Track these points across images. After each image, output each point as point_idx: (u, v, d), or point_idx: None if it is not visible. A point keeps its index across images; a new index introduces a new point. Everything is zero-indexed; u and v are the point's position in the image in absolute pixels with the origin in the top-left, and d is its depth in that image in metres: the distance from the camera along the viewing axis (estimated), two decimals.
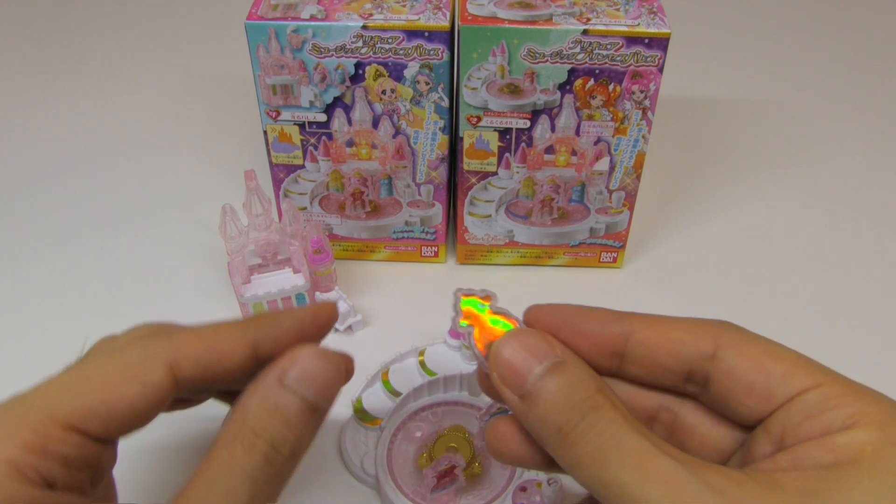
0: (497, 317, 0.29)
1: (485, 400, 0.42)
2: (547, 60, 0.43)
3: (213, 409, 0.33)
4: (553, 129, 0.45)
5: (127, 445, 0.28)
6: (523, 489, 0.38)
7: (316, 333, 0.29)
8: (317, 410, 0.27)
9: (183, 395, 0.28)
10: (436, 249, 0.53)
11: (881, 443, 0.23)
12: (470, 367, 0.43)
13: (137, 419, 0.26)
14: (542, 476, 0.38)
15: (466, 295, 0.30)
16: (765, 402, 0.26)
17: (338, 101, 0.45)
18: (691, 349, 0.27)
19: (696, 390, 0.28)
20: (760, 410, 0.26)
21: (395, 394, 0.43)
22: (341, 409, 0.43)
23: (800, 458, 0.24)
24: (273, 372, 0.27)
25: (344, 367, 0.28)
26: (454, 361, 0.44)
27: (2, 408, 0.25)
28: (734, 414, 0.27)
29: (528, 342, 0.26)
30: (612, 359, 0.28)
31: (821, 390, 0.25)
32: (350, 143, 0.47)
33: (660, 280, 0.53)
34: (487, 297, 0.29)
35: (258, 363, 0.28)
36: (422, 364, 0.44)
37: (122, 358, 0.26)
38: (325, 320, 0.30)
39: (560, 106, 0.44)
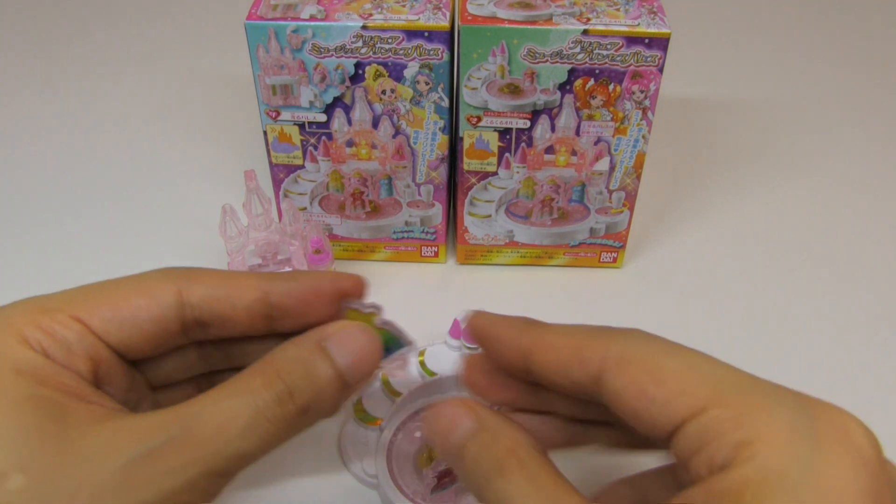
0: (383, 329, 0.29)
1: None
2: (547, 60, 0.43)
3: None
4: (553, 129, 0.45)
5: None
6: None
7: (336, 299, 0.29)
8: (345, 381, 0.27)
9: (195, 333, 0.28)
10: (436, 249, 0.53)
11: (763, 482, 0.21)
12: None
13: (141, 331, 0.27)
14: None
15: (352, 309, 0.30)
16: (653, 431, 0.24)
17: (338, 101, 0.45)
18: (578, 372, 0.26)
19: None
20: (655, 437, 0.24)
21: (395, 394, 0.43)
22: (341, 409, 0.43)
23: None
24: (315, 332, 0.27)
25: (381, 353, 0.29)
26: (454, 361, 0.44)
27: (22, 301, 0.27)
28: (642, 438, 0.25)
29: (445, 414, 0.27)
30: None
31: (702, 418, 0.22)
32: (350, 144, 0.47)
33: (660, 280, 0.53)
34: (372, 312, 0.29)
35: (270, 320, 0.28)
36: (422, 364, 0.44)
37: (135, 277, 0.28)
38: (348, 288, 0.30)
39: (560, 106, 0.44)
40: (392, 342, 0.30)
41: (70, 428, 0.24)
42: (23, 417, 0.23)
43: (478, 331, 0.29)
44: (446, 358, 0.44)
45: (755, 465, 0.21)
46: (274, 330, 0.29)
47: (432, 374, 0.43)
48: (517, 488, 0.24)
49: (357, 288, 0.30)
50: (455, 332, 0.44)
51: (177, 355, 0.30)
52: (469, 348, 0.42)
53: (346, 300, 0.30)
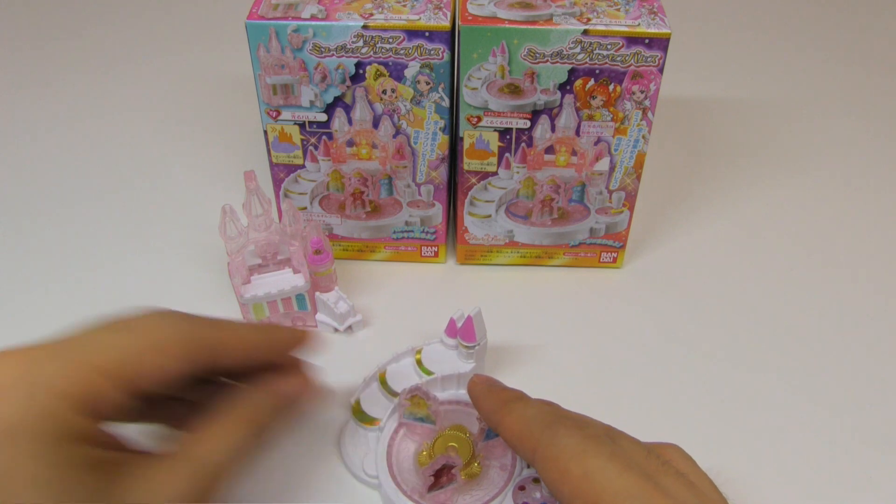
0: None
1: None
2: (547, 60, 0.43)
3: None
4: (553, 129, 0.45)
5: None
6: (522, 488, 0.38)
7: (297, 353, 0.38)
8: (288, 418, 0.38)
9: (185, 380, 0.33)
10: (436, 249, 0.53)
11: None
12: (466, 365, 0.43)
13: (159, 386, 0.31)
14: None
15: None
16: None
17: (338, 100, 0.45)
18: (522, 453, 0.33)
19: None
20: None
21: (393, 394, 0.43)
22: (340, 410, 0.43)
23: None
24: (279, 383, 0.36)
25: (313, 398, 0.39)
26: (451, 360, 0.44)
27: (42, 351, 0.29)
28: None
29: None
30: None
31: None
32: (350, 143, 0.47)
33: (660, 280, 0.53)
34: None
35: (248, 367, 0.35)
36: (418, 363, 0.44)
37: (151, 331, 0.31)
38: (308, 345, 0.38)
39: (560, 106, 0.44)
40: None
41: (109, 487, 0.28)
42: (77, 484, 0.27)
43: (472, 396, 0.37)
44: (442, 357, 0.44)
45: None
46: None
47: (429, 373, 0.43)
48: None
49: (311, 341, 0.38)
50: (451, 331, 0.44)
51: None
52: (466, 347, 0.43)
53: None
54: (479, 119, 0.45)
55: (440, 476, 0.38)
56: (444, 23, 0.42)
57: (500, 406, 0.35)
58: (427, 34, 0.42)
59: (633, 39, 0.42)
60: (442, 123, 0.46)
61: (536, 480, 0.38)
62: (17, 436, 0.26)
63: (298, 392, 0.37)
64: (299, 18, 0.42)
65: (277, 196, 0.50)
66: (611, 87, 0.44)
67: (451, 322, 0.43)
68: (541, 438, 0.31)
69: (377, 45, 0.43)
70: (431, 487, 0.38)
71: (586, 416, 0.34)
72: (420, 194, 0.50)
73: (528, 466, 0.39)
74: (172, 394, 0.34)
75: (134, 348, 0.30)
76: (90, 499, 0.27)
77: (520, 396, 0.35)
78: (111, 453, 0.29)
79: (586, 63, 0.43)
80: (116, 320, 0.31)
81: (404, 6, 0.43)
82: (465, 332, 0.42)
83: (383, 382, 0.43)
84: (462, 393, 0.43)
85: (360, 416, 0.42)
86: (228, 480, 0.32)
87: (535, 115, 0.45)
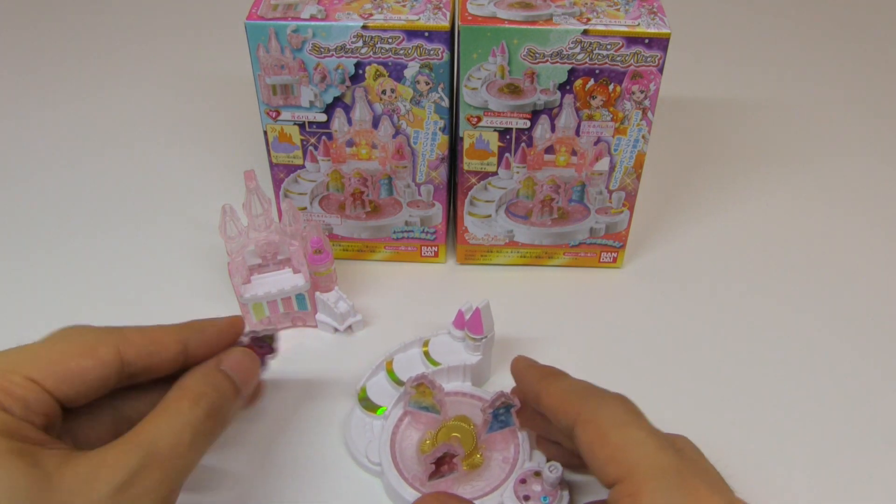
0: (254, 342, 0.39)
1: (489, 392, 0.42)
2: (547, 60, 0.43)
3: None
4: (553, 129, 0.45)
5: None
6: (523, 481, 0.38)
7: (230, 340, 0.38)
8: (239, 392, 0.36)
9: (123, 379, 0.33)
10: (436, 249, 0.53)
11: None
12: (473, 357, 0.43)
13: (87, 387, 0.32)
14: (542, 465, 0.38)
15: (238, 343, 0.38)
16: (600, 480, 0.31)
17: (338, 101, 0.45)
18: (563, 420, 0.33)
19: None
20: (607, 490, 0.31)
21: (399, 383, 0.43)
22: (346, 397, 0.44)
23: None
24: (213, 360, 0.36)
25: (258, 368, 0.38)
26: (458, 352, 0.44)
27: None
28: None
29: None
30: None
31: (619, 486, 0.30)
32: (350, 143, 0.47)
33: (660, 280, 0.53)
34: (241, 341, 0.38)
35: (185, 362, 0.35)
36: (426, 354, 0.44)
37: (80, 337, 0.33)
38: (237, 330, 0.38)
39: (560, 106, 0.44)
40: (266, 342, 0.39)
41: (48, 471, 0.28)
42: (6, 468, 0.27)
43: (514, 371, 0.39)
44: (449, 348, 0.44)
45: None
46: (183, 368, 0.36)
47: (436, 363, 0.43)
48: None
49: (240, 326, 0.38)
50: (459, 322, 0.44)
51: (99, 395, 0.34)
52: (473, 339, 0.43)
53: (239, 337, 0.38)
54: (479, 119, 0.45)
55: (441, 464, 0.38)
56: (444, 23, 0.42)
57: (544, 377, 0.36)
58: (426, 34, 0.42)
59: (632, 39, 0.42)
60: (441, 123, 0.46)
61: (538, 474, 0.38)
62: None
63: (240, 364, 0.36)
64: (299, 19, 0.42)
65: (277, 196, 0.50)
66: (611, 87, 0.44)
67: (459, 314, 0.44)
68: (585, 405, 0.33)
69: (377, 46, 0.43)
70: (432, 475, 0.38)
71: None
72: (420, 194, 0.50)
73: (531, 459, 0.39)
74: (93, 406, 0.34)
75: (59, 352, 0.32)
76: (19, 484, 0.27)
77: (563, 372, 0.37)
78: (52, 449, 0.29)
79: (586, 63, 0.43)
80: (46, 338, 0.33)
81: (404, 6, 0.43)
82: (472, 324, 0.43)
83: (390, 372, 0.43)
84: (466, 384, 0.43)
85: (367, 403, 0.42)
86: (187, 463, 0.31)
87: (534, 115, 0.45)
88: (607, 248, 0.52)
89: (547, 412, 0.35)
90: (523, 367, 0.38)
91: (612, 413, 0.32)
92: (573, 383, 0.35)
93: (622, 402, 0.33)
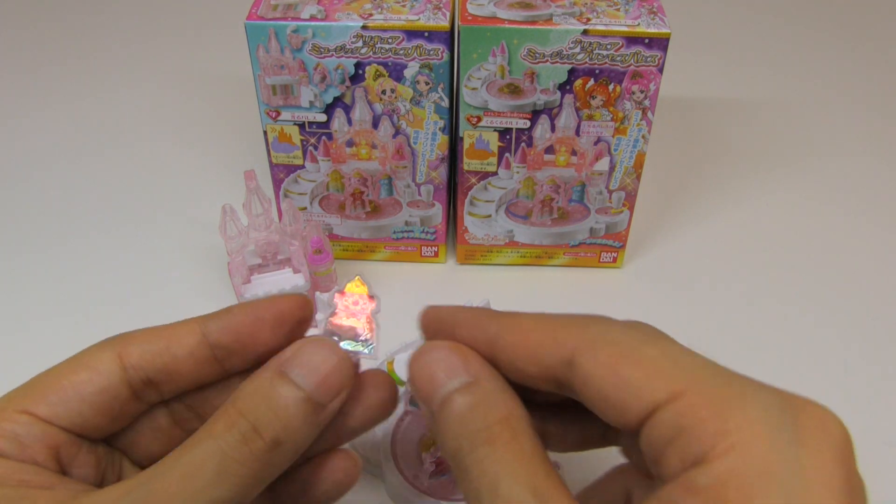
0: None
1: None
2: (547, 60, 0.43)
3: None
4: (553, 129, 0.45)
5: None
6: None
7: (279, 324, 0.27)
8: (315, 403, 0.25)
9: (148, 395, 0.27)
10: (436, 249, 0.53)
11: (746, 477, 0.19)
12: None
13: (91, 407, 0.26)
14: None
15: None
16: (623, 416, 0.22)
17: (338, 101, 0.45)
18: (550, 355, 0.24)
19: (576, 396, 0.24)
20: (625, 425, 0.23)
21: (401, 383, 0.43)
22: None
23: None
24: (273, 360, 0.26)
25: (354, 364, 0.26)
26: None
27: None
28: (611, 424, 0.23)
29: (438, 357, 0.25)
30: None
31: (678, 404, 0.21)
32: (350, 144, 0.47)
33: (660, 280, 0.53)
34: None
35: (219, 362, 0.27)
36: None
37: (75, 356, 0.27)
38: (291, 309, 0.27)
39: (560, 106, 0.44)
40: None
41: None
42: None
43: (436, 322, 0.27)
44: None
45: (736, 459, 0.19)
46: (229, 372, 0.28)
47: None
48: (503, 465, 0.22)
49: (301, 307, 0.28)
50: None
51: (145, 424, 0.28)
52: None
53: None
54: (479, 119, 0.45)
55: (442, 464, 0.38)
56: (444, 23, 0.42)
57: (495, 314, 0.26)
58: (426, 34, 0.42)
59: (632, 39, 0.42)
60: (441, 123, 0.46)
61: None
62: None
63: (311, 362, 0.25)
64: (298, 19, 0.42)
65: (277, 196, 0.50)
66: (611, 87, 0.44)
67: None
68: (583, 331, 0.24)
69: (376, 46, 0.43)
70: (433, 474, 0.38)
71: None
72: (420, 194, 0.50)
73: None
74: (153, 443, 0.28)
75: (50, 376, 0.26)
76: None
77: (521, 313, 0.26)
78: (54, 490, 0.24)
79: (586, 63, 0.43)
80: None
81: (404, 6, 0.43)
82: None
83: (392, 372, 0.43)
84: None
85: None
86: (212, 501, 0.23)
87: (534, 115, 0.45)
88: (607, 248, 0.52)
89: (513, 356, 0.25)
90: (451, 313, 0.27)
91: (631, 333, 0.24)
92: (541, 315, 0.26)
93: (638, 323, 0.25)
